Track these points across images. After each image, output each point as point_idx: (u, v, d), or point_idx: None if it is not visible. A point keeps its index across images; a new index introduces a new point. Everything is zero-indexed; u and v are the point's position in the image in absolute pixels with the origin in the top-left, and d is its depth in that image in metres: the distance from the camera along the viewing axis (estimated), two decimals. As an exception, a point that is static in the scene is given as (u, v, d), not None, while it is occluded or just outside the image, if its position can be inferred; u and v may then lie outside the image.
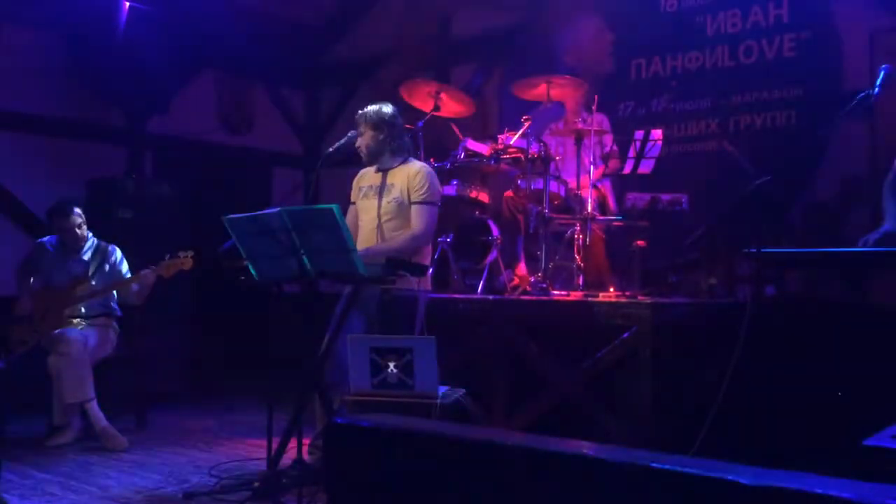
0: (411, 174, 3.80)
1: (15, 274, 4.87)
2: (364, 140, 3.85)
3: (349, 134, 3.90)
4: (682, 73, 5.87)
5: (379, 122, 3.81)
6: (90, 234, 4.84)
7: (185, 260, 4.48)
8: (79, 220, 4.74)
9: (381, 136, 3.83)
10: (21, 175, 6.02)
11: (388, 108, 3.87)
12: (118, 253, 4.85)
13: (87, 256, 4.79)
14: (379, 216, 3.80)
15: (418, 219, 3.74)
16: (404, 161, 3.90)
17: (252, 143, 7.67)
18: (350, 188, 4.08)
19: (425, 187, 3.76)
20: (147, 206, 6.05)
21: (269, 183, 7.92)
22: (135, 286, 4.64)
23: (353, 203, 4.00)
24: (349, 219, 3.90)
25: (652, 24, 6.02)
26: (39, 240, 4.96)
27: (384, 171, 3.89)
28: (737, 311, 3.64)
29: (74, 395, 4.39)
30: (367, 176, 3.99)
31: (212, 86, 7.36)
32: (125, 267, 4.81)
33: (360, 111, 3.90)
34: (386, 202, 3.81)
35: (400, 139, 3.90)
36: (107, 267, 4.79)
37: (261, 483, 3.38)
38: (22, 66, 6.03)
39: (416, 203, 3.76)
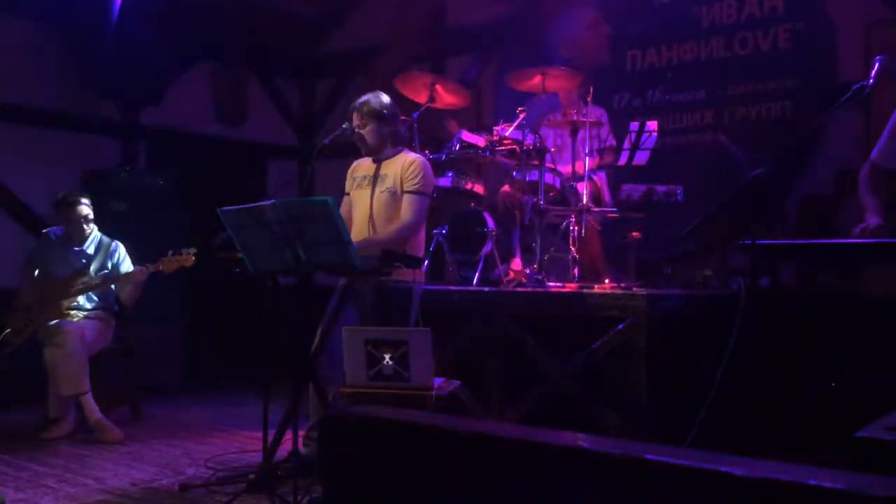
0: (405, 164, 3.79)
1: (21, 265, 4.86)
2: (366, 132, 3.80)
3: (344, 126, 3.87)
4: (678, 65, 5.87)
5: (381, 114, 3.78)
6: (95, 228, 4.83)
7: (187, 257, 4.47)
8: (86, 211, 4.74)
9: (386, 129, 3.81)
10: (14, 166, 5.99)
11: (386, 99, 3.85)
12: (122, 250, 4.84)
13: (90, 250, 4.79)
14: (371, 206, 3.80)
15: (409, 208, 3.73)
16: (399, 152, 3.89)
17: (246, 135, 7.65)
18: (344, 180, 4.07)
19: (418, 177, 3.75)
20: (141, 197, 6.04)
21: (264, 175, 7.90)
22: (129, 283, 4.64)
23: (348, 193, 3.99)
24: (343, 209, 3.89)
25: (647, 15, 6.01)
26: (45, 230, 4.95)
27: (379, 161, 3.88)
28: (731, 303, 3.66)
29: (70, 387, 4.38)
30: (362, 166, 3.97)
31: (206, 77, 7.33)
32: (125, 265, 4.79)
33: (357, 102, 3.85)
34: (379, 192, 3.80)
35: (398, 128, 3.89)
36: (109, 263, 4.78)
37: (256, 475, 3.39)
38: (15, 57, 6.00)
39: (407, 192, 3.75)
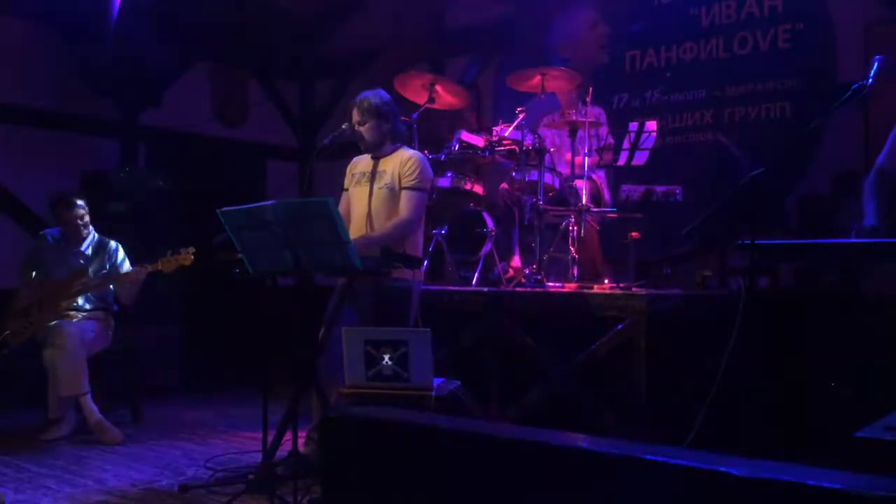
0: (403, 160, 3.79)
1: (20, 266, 4.86)
2: (365, 129, 3.81)
3: (343, 126, 3.87)
4: (677, 65, 5.87)
5: (381, 110, 3.79)
6: (92, 228, 4.83)
7: (186, 256, 4.47)
8: (82, 212, 4.74)
9: (385, 125, 3.81)
10: (13, 167, 5.99)
11: (386, 95, 3.86)
12: (121, 251, 4.84)
13: (88, 250, 4.79)
14: (370, 203, 3.79)
15: (406, 204, 3.73)
16: (397, 148, 3.89)
17: (246, 136, 7.65)
18: (343, 180, 4.07)
19: (416, 173, 3.75)
20: (140, 198, 6.03)
21: (264, 175, 7.90)
22: (127, 283, 4.65)
23: (346, 190, 3.99)
24: (341, 206, 3.89)
25: (646, 15, 6.01)
26: (42, 231, 4.95)
27: (377, 158, 3.88)
28: (731, 303, 3.66)
29: (69, 388, 4.38)
30: (361, 163, 3.97)
31: (205, 78, 7.33)
32: (124, 266, 4.79)
33: (357, 99, 3.85)
34: (377, 189, 3.80)
35: (398, 125, 3.89)
36: (107, 263, 4.78)
37: (256, 475, 3.39)
38: (15, 57, 6.00)
39: (405, 188, 3.75)
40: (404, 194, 3.74)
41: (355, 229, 3.77)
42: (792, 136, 5.27)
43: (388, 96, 3.86)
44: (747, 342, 3.47)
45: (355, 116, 3.82)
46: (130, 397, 5.00)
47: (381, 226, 3.75)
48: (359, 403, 3.04)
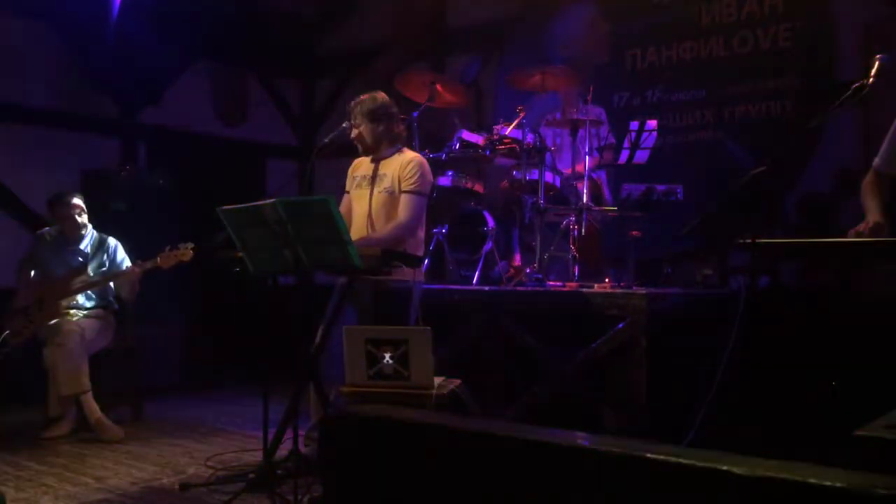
0: (403, 163, 3.79)
1: (17, 266, 4.86)
2: (362, 132, 3.81)
3: (343, 125, 3.88)
4: (678, 64, 5.87)
5: (377, 113, 3.79)
6: (90, 226, 4.83)
7: (185, 252, 4.47)
8: (78, 209, 4.74)
9: (381, 128, 3.81)
10: (14, 166, 5.99)
11: (382, 98, 3.85)
12: (120, 248, 4.85)
13: (86, 248, 4.79)
14: (370, 206, 3.80)
15: (405, 208, 3.73)
16: (398, 150, 3.89)
17: (246, 135, 7.65)
18: (344, 179, 4.07)
19: (416, 177, 3.75)
20: (141, 197, 6.04)
21: (264, 174, 7.91)
22: (126, 280, 4.65)
23: (348, 192, 3.99)
24: (343, 208, 3.89)
25: (647, 14, 6.01)
26: (39, 231, 4.95)
27: (378, 160, 3.88)
28: (731, 302, 3.66)
29: (70, 386, 4.39)
30: (362, 165, 3.97)
31: (206, 77, 7.33)
32: (126, 263, 4.80)
33: (353, 101, 3.86)
34: (377, 192, 3.80)
35: (396, 128, 3.89)
36: (106, 260, 4.78)
37: (256, 474, 3.39)
38: (15, 57, 6.00)
39: (405, 192, 3.75)
40: (403, 198, 3.75)
41: (356, 232, 3.77)
42: (792, 134, 5.26)
43: (386, 98, 3.86)
44: (747, 341, 3.47)
45: (352, 119, 3.83)
46: (131, 395, 5.01)
47: (381, 228, 3.75)
48: (359, 402, 3.04)
